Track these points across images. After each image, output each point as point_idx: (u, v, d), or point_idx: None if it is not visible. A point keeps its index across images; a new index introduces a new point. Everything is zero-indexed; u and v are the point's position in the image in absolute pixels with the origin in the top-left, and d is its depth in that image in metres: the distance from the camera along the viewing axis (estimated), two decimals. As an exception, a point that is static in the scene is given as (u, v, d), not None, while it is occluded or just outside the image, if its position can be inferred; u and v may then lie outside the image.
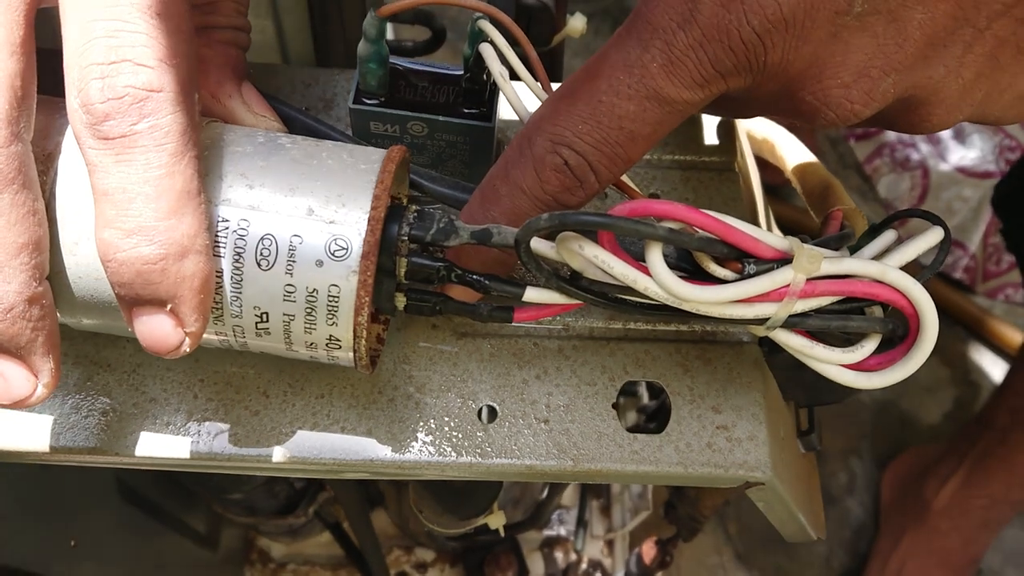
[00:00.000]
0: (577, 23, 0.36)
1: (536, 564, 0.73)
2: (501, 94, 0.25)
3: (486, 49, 0.23)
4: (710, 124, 0.30)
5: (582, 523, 0.74)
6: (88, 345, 0.25)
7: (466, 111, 0.25)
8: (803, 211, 0.84)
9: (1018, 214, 0.66)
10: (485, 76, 0.24)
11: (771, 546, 0.80)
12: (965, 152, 0.93)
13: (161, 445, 0.23)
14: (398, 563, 0.75)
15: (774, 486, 0.24)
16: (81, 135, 0.18)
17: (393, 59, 0.25)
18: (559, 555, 0.74)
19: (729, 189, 0.28)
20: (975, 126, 0.95)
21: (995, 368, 0.89)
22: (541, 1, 0.39)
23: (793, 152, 0.31)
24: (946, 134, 0.94)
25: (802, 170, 0.30)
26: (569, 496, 0.78)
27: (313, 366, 0.24)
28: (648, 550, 0.58)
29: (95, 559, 0.39)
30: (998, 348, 0.90)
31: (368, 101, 0.25)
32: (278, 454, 0.23)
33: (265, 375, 0.24)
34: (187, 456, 0.23)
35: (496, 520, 0.39)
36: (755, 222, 0.29)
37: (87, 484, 0.41)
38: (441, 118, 0.25)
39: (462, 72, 0.25)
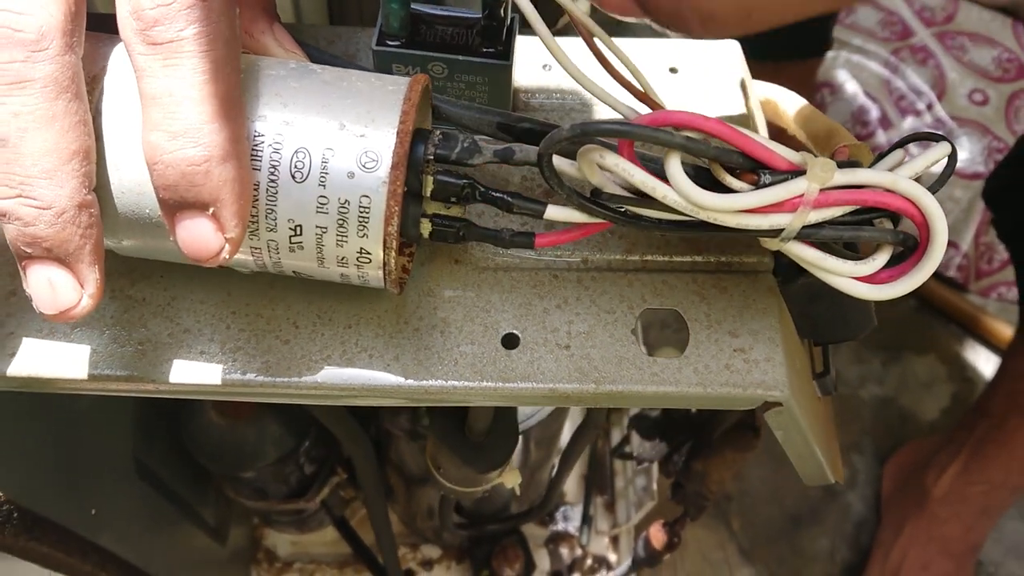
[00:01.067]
0: None
1: (542, 560, 0.73)
2: (517, 34, 0.26)
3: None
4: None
5: (587, 519, 0.74)
6: (123, 280, 0.25)
7: (484, 50, 0.26)
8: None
9: (1007, 206, 0.67)
10: (502, 12, 0.25)
11: (774, 541, 0.80)
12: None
13: (196, 372, 0.24)
14: (404, 560, 0.75)
15: (791, 408, 0.25)
16: (131, 41, 0.19)
17: (414, 4, 0.26)
18: (564, 551, 0.75)
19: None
20: (964, 129, 0.97)
21: (990, 364, 0.90)
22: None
23: (793, 105, 0.32)
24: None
25: (804, 118, 0.31)
26: (574, 493, 0.79)
27: (341, 297, 0.25)
28: (656, 533, 0.58)
29: (113, 531, 0.39)
30: (993, 345, 0.91)
31: (391, 43, 0.26)
32: (308, 380, 0.24)
33: (295, 307, 0.25)
34: (219, 383, 0.24)
35: (512, 478, 0.39)
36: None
37: (107, 457, 0.41)
38: (461, 58, 0.26)
39: (480, 15, 0.26)
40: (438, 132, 0.22)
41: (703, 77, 0.31)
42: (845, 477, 0.83)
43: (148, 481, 0.46)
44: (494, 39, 0.26)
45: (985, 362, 0.90)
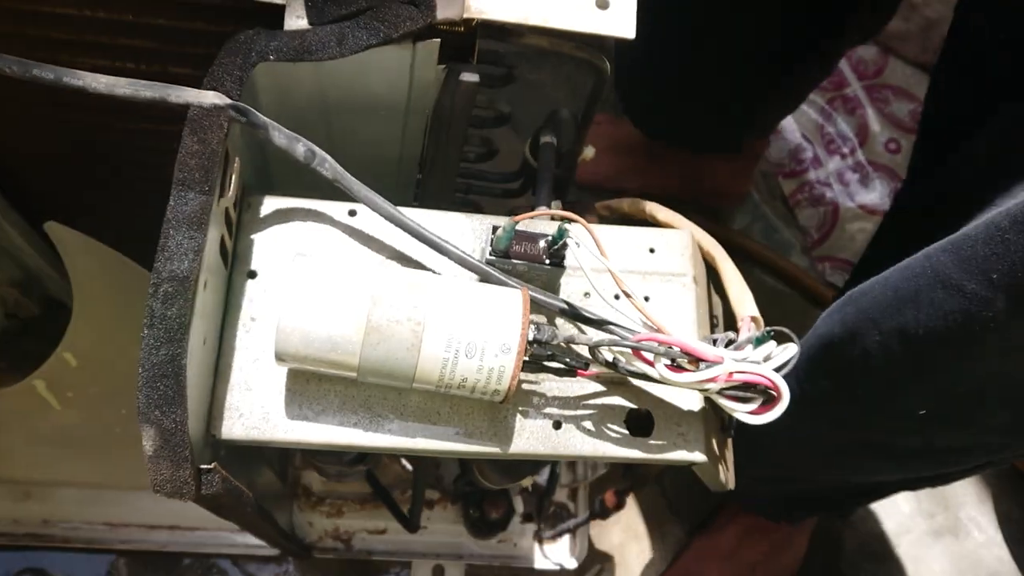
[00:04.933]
0: (589, 152, 0.58)
1: (519, 505, 0.95)
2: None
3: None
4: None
5: (554, 476, 0.96)
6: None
7: (549, 263, 0.45)
8: (802, 270, 1.07)
9: None
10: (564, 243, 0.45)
11: (696, 499, 1.04)
12: (867, 193, 1.16)
13: (381, 439, 0.44)
14: (407, 501, 0.96)
15: (707, 464, 0.46)
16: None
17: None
18: (535, 498, 0.97)
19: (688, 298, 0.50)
20: (878, 173, 1.19)
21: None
22: (569, 148, 0.59)
23: (734, 277, 0.52)
24: (853, 180, 1.17)
25: (734, 282, 0.51)
26: (543, 454, 1.00)
27: (476, 405, 0.45)
28: (609, 497, 0.80)
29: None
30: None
31: (496, 257, 0.45)
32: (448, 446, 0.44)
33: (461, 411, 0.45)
34: (377, 444, 0.44)
35: (527, 480, 0.60)
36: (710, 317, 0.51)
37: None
38: (537, 264, 0.45)
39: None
40: (532, 326, 0.42)
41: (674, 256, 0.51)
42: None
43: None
44: (556, 257, 0.45)
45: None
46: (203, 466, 0.38)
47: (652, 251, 0.51)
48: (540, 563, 0.94)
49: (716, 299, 0.54)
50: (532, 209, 0.55)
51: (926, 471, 0.76)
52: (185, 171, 0.39)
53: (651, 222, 0.58)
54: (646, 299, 0.49)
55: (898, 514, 1.06)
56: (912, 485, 0.86)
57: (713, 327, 0.54)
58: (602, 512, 0.81)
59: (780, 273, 1.15)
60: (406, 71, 0.49)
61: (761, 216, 1.18)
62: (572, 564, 0.94)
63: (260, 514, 0.50)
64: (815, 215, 1.17)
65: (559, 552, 0.95)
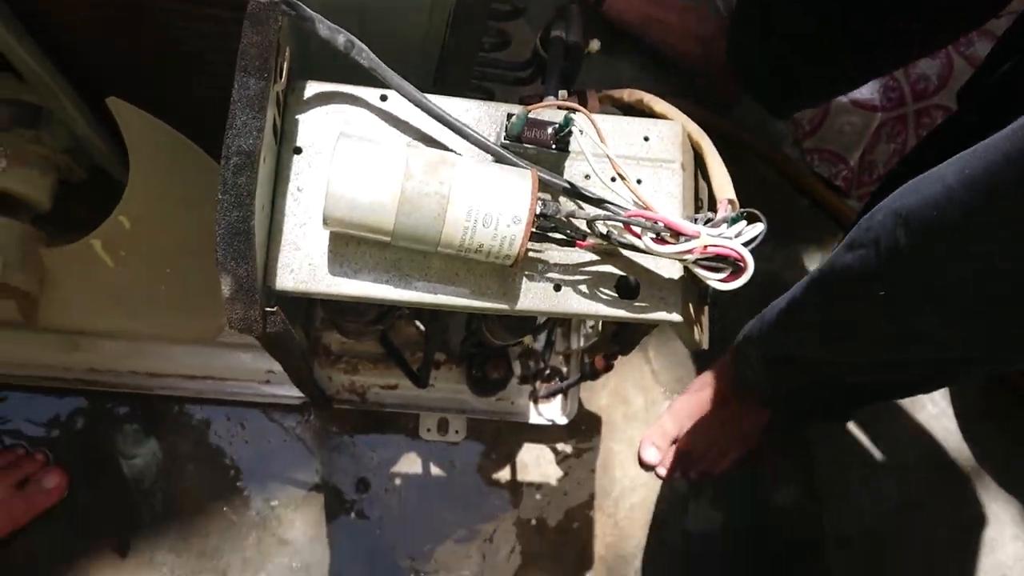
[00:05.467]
0: (595, 45, 0.64)
1: (517, 368, 1.05)
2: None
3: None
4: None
5: (549, 342, 1.05)
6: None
7: (556, 148, 0.52)
8: (791, 160, 1.13)
9: None
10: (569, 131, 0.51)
11: (677, 367, 1.14)
12: (859, 89, 1.21)
13: (401, 293, 0.52)
14: (415, 360, 1.06)
15: (682, 324, 0.55)
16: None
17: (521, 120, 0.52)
18: (531, 363, 1.06)
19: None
20: (870, 68, 1.23)
21: (853, 253, 1.22)
22: (576, 41, 0.65)
23: (716, 171, 0.59)
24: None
25: (717, 169, 0.59)
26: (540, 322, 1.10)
27: (488, 268, 0.53)
28: (599, 361, 0.90)
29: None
30: (858, 239, 1.22)
31: (510, 141, 0.52)
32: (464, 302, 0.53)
33: (476, 272, 0.53)
34: (397, 297, 0.52)
35: (528, 339, 0.69)
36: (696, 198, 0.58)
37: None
38: (545, 149, 0.52)
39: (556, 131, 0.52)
40: (540, 201, 0.50)
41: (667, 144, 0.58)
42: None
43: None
44: (562, 143, 0.52)
45: (849, 252, 1.22)
46: (268, 308, 0.46)
47: (646, 139, 0.58)
48: (534, 419, 1.05)
49: (703, 184, 0.62)
50: (542, 98, 0.62)
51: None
52: (247, 59, 0.46)
53: (647, 112, 0.64)
54: (639, 181, 0.57)
55: (860, 387, 1.17)
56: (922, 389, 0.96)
57: (698, 208, 0.62)
58: (592, 373, 0.91)
59: (771, 162, 1.22)
60: (433, -31, 0.55)
61: (755, 107, 1.24)
62: (563, 421, 1.05)
63: (303, 358, 0.59)
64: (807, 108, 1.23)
65: (552, 410, 1.06)
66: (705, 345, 0.61)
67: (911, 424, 1.18)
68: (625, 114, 0.65)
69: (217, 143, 0.44)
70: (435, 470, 1.05)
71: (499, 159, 0.52)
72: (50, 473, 0.95)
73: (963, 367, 0.81)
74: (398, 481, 1.04)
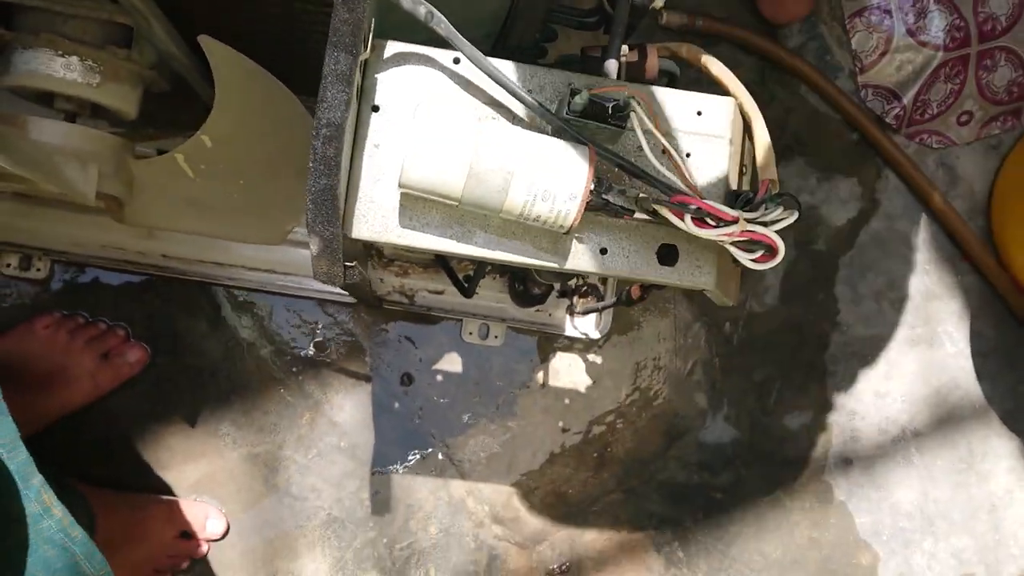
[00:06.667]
0: (659, 1, 0.67)
1: (556, 284, 1.11)
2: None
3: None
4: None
5: (589, 261, 1.11)
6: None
7: (613, 123, 0.56)
8: (845, 94, 1.13)
9: None
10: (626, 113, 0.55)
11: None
12: (923, 26, 1.20)
13: (447, 244, 0.58)
14: (463, 268, 1.13)
15: (716, 292, 0.60)
16: None
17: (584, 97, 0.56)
18: (572, 280, 1.13)
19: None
20: (939, 6, 1.21)
21: (896, 194, 1.24)
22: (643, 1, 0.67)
23: (761, 135, 0.63)
24: (912, 11, 1.20)
25: (764, 146, 0.62)
26: (582, 241, 1.15)
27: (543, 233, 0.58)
28: (635, 290, 0.96)
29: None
30: (902, 177, 1.24)
31: (573, 115, 0.56)
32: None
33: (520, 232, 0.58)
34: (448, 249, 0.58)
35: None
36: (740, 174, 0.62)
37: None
38: (602, 124, 0.56)
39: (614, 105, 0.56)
40: (595, 178, 0.54)
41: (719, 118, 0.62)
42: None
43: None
44: (619, 120, 0.56)
45: (892, 192, 1.24)
46: (347, 263, 0.53)
47: (699, 114, 0.61)
48: (569, 331, 1.12)
49: (748, 146, 0.65)
50: (603, 59, 0.65)
51: None
52: (337, 36, 0.50)
53: (702, 71, 0.67)
54: (688, 155, 0.61)
55: (883, 324, 1.22)
56: None
57: (742, 174, 0.66)
58: (627, 301, 0.97)
59: (825, 95, 1.23)
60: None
61: (817, 36, 1.23)
62: (596, 335, 1.12)
63: (369, 288, 0.66)
64: (868, 41, 1.22)
65: (586, 324, 1.13)
66: (733, 302, 0.66)
67: (929, 360, 1.23)
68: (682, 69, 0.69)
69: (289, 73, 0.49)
70: (474, 370, 1.13)
71: (558, 132, 0.57)
72: (133, 347, 1.05)
73: None
74: (439, 377, 1.13)
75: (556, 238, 0.59)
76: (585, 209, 0.56)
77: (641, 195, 0.55)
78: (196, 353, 1.08)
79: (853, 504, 1.20)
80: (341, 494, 1.10)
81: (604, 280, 1.12)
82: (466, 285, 1.03)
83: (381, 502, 1.11)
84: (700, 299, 1.19)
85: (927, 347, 1.23)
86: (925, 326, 1.23)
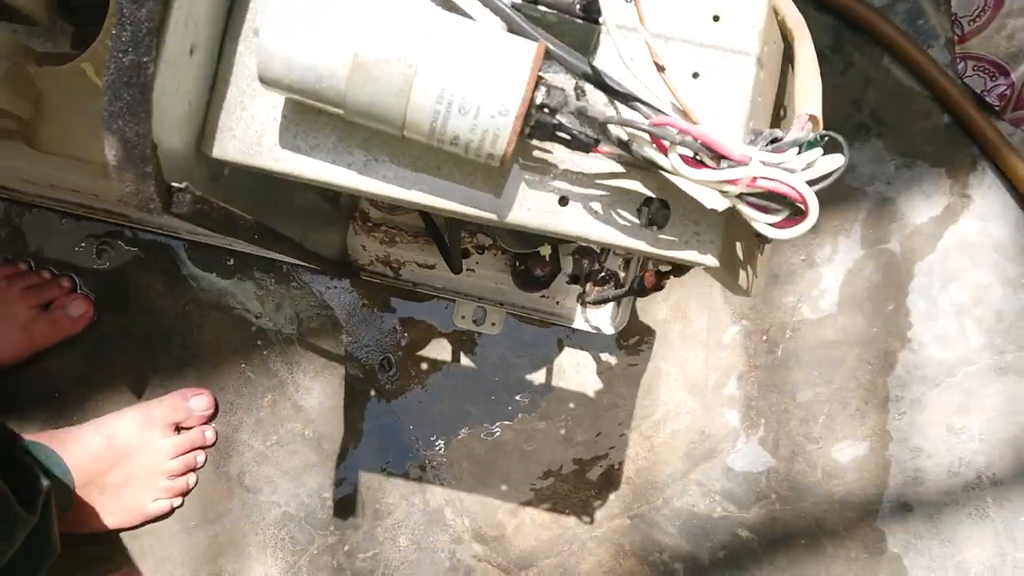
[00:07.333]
0: None
1: (567, 265, 0.94)
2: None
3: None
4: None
5: (609, 242, 0.94)
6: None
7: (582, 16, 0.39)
8: (938, 67, 0.92)
9: None
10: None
11: (752, 289, 1.00)
12: (1045, -15, 0.98)
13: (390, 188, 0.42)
14: (464, 241, 0.97)
15: (719, 269, 0.42)
16: None
17: None
18: (585, 262, 0.95)
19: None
20: (1065, -38, 0.99)
21: (992, 191, 1.03)
22: None
23: (808, 63, 0.45)
24: (1032, -33, 0.98)
25: (807, 72, 0.44)
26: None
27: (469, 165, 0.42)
28: (648, 277, 0.78)
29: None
30: (1000, 172, 1.03)
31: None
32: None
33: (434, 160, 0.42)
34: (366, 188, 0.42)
35: (544, 249, 0.59)
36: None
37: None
38: (568, 16, 0.39)
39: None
40: (543, 88, 0.37)
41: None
42: (827, 253, 1.01)
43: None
44: (590, 10, 0.39)
45: (988, 188, 1.03)
46: (174, 184, 0.37)
47: (716, 19, 0.44)
48: (579, 324, 0.95)
49: (790, 76, 0.48)
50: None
51: None
52: None
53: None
54: (695, 75, 0.43)
55: (964, 345, 1.01)
56: None
57: (778, 116, 0.48)
58: (640, 290, 0.79)
59: (913, 65, 1.02)
60: None
61: (910, -6, 1.03)
62: (610, 331, 0.94)
63: (267, 235, 0.50)
64: (972, 2, 1.00)
65: (600, 317, 0.95)
66: (753, 293, 0.49)
67: (1018, 394, 1.02)
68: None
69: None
70: (464, 360, 0.97)
71: (509, 25, 0.40)
72: (77, 300, 0.93)
73: None
74: (424, 366, 0.97)
75: (497, 179, 0.42)
76: (533, 135, 0.39)
77: (609, 118, 0.37)
78: (148, 313, 0.95)
79: (910, 559, 1.00)
80: (300, 490, 0.96)
81: (627, 263, 0.94)
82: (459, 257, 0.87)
83: (346, 503, 0.96)
84: (741, 297, 1.00)
85: (1017, 378, 1.02)
86: (1016, 352, 1.01)
